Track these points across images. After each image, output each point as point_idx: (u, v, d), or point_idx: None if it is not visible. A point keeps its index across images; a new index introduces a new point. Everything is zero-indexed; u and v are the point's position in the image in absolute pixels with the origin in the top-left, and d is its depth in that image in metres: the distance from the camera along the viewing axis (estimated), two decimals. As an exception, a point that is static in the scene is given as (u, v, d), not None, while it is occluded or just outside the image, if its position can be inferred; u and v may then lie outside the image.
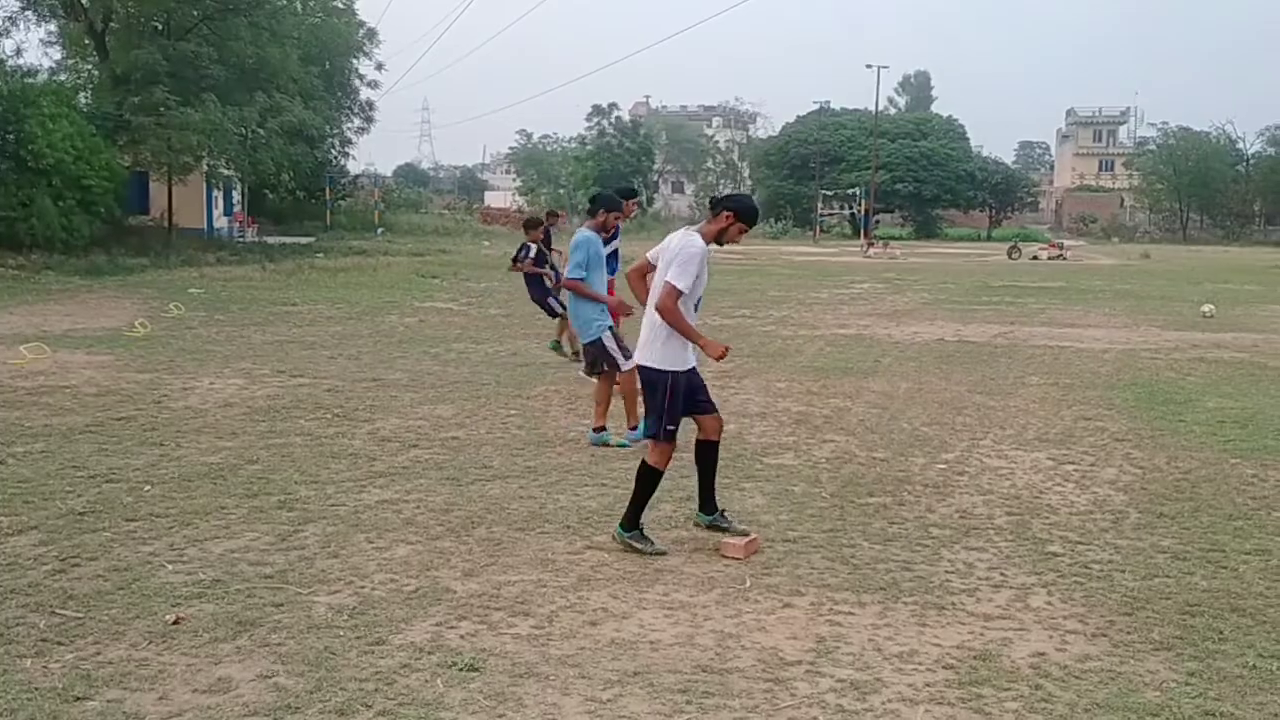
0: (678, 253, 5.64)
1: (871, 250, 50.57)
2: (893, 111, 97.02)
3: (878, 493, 6.98)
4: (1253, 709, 3.93)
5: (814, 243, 64.15)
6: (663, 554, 5.64)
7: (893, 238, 68.45)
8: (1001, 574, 5.43)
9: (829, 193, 74.39)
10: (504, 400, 10.17)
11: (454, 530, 6.03)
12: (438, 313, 18.89)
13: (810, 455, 8.09)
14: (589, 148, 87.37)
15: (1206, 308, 20.21)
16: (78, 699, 3.87)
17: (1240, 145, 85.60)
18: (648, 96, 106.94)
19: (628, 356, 8.21)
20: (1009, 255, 46.85)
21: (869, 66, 70.82)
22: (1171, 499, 6.88)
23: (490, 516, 6.31)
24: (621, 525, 5.77)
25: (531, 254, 13.37)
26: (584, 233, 8.44)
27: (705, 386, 6.01)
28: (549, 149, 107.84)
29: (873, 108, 76.19)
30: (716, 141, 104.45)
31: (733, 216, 5.71)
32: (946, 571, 5.46)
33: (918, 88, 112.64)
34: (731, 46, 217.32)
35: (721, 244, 5.79)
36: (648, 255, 6.11)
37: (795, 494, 6.93)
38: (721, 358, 5.80)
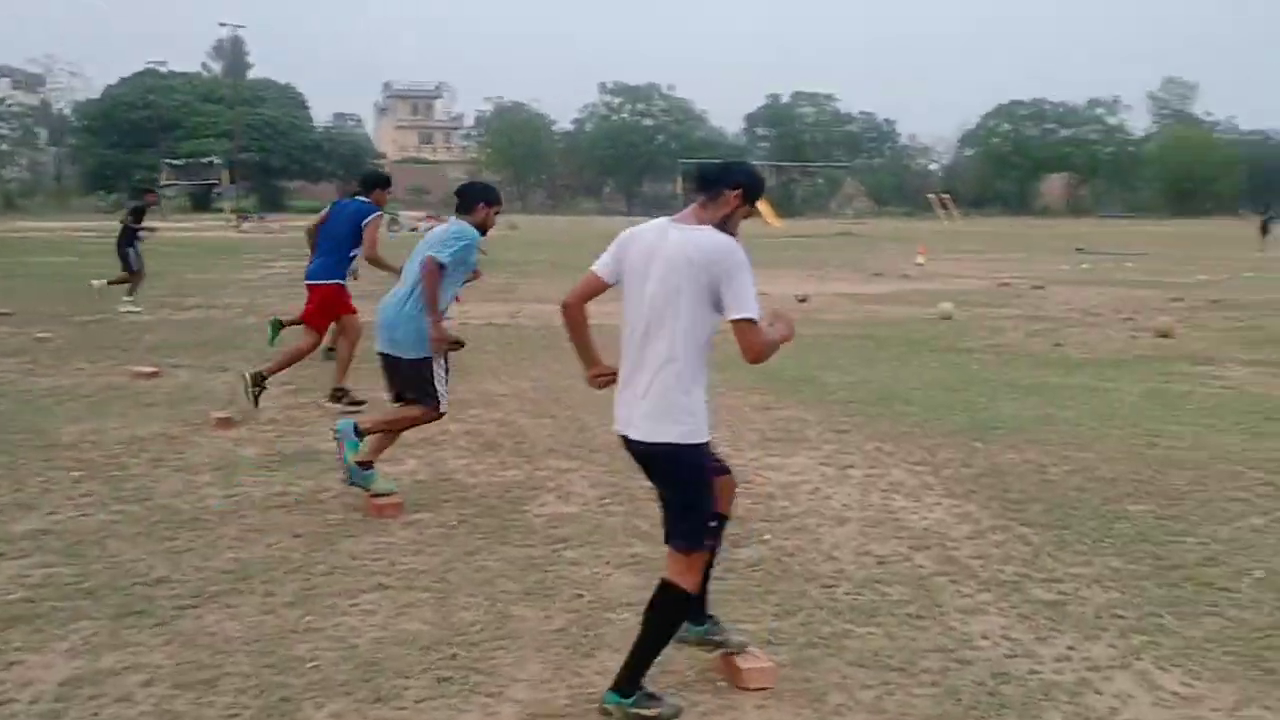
0: (716, 259, 3.44)
1: (246, 225, 46.82)
2: (205, 75, 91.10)
3: (739, 542, 5.39)
4: None
5: (162, 218, 58.25)
6: (679, 711, 3.62)
7: (244, 210, 64.48)
8: (1069, 648, 4.20)
9: (177, 163, 67.51)
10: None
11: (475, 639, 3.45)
12: None
13: (577, 495, 6.25)
14: None
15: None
16: None
17: (553, 122, 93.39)
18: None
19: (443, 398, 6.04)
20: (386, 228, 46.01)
21: (223, 25, 66.03)
22: (1016, 502, 6.13)
23: (474, 599, 3.77)
24: (618, 691, 3.53)
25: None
26: (468, 228, 6.15)
27: None
28: None
29: (201, 70, 71.20)
30: (9, 105, 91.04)
31: (741, 194, 3.72)
32: (1006, 656, 4.11)
33: (232, 53, 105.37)
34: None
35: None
36: (594, 269, 3.89)
37: (648, 559, 5.11)
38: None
